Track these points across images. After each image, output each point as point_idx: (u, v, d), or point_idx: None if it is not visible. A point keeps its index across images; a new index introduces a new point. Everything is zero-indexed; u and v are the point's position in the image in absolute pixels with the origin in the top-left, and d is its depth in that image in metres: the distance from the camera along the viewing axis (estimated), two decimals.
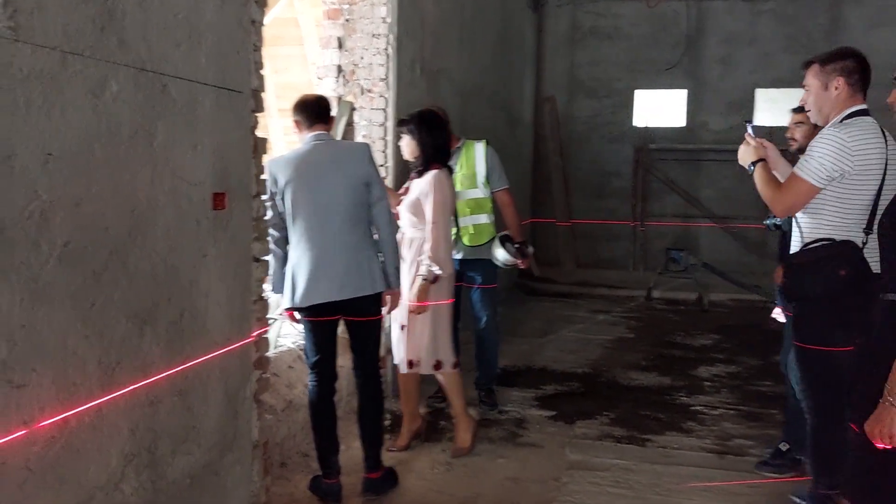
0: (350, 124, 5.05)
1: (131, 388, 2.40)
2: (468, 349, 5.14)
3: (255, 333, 3.21)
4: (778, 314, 4.05)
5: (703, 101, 10.86)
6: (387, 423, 4.44)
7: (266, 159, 3.32)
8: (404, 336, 4.16)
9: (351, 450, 4.02)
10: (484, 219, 4.83)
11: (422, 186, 4.08)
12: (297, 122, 3.67)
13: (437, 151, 4.17)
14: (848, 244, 2.97)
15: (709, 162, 10.72)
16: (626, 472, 4.03)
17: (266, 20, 3.20)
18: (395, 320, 4.22)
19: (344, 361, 3.94)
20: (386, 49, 4.98)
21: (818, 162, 2.97)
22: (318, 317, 3.59)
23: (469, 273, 4.86)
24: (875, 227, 2.89)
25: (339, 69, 5.08)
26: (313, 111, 3.65)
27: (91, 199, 2.18)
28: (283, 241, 3.59)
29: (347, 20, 5.02)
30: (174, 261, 2.60)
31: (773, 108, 10.43)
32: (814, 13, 10.32)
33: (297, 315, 3.69)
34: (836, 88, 3.11)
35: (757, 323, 7.46)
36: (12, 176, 1.90)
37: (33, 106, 1.95)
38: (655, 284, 9.37)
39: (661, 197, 11.07)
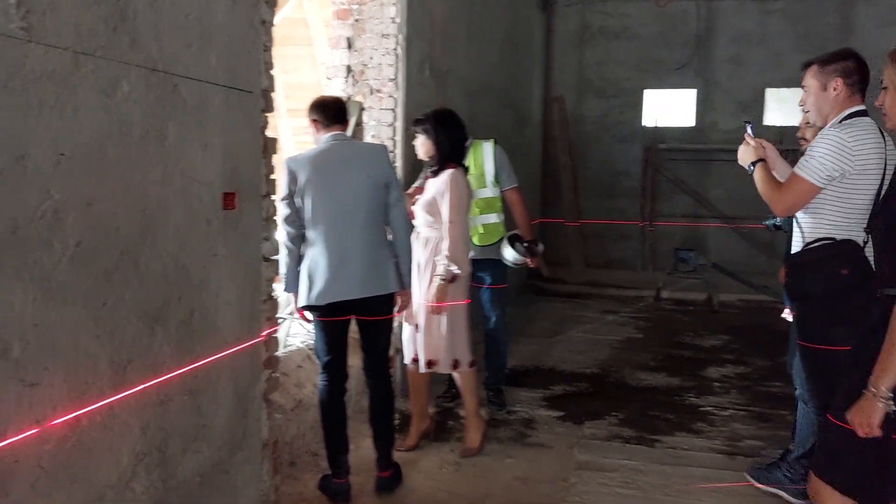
0: (359, 124, 5.05)
1: (142, 387, 2.41)
2: (477, 349, 5.13)
3: (264, 333, 3.22)
4: (787, 315, 4.04)
5: (712, 100, 10.83)
6: (395, 422, 4.44)
7: (281, 159, 3.33)
8: (420, 336, 4.16)
9: (360, 449, 4.03)
10: (493, 218, 4.82)
11: (438, 186, 4.07)
12: (314, 122, 3.69)
13: (453, 150, 4.17)
14: (849, 243, 2.98)
15: (718, 162, 10.68)
16: (635, 472, 4.03)
17: (275, 20, 3.21)
18: (408, 320, 4.23)
19: (352, 361, 3.94)
20: (395, 49, 4.99)
21: (819, 162, 2.98)
22: (331, 316, 3.60)
23: (479, 273, 4.85)
24: None
25: (349, 69, 5.08)
26: (332, 112, 3.68)
27: (103, 198, 2.19)
28: (300, 240, 3.59)
29: (357, 20, 5.03)
30: (185, 260, 2.61)
31: (783, 107, 10.40)
32: (824, 12, 10.27)
33: (309, 314, 3.69)
34: (835, 89, 3.13)
35: (767, 324, 7.44)
36: (25, 176, 1.91)
37: (46, 106, 1.96)
38: (664, 285, 9.35)
39: (671, 197, 11.04)
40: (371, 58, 5.04)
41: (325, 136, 3.65)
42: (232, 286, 2.93)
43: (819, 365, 3.11)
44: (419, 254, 4.15)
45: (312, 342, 4.41)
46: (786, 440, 4.17)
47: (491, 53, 7.66)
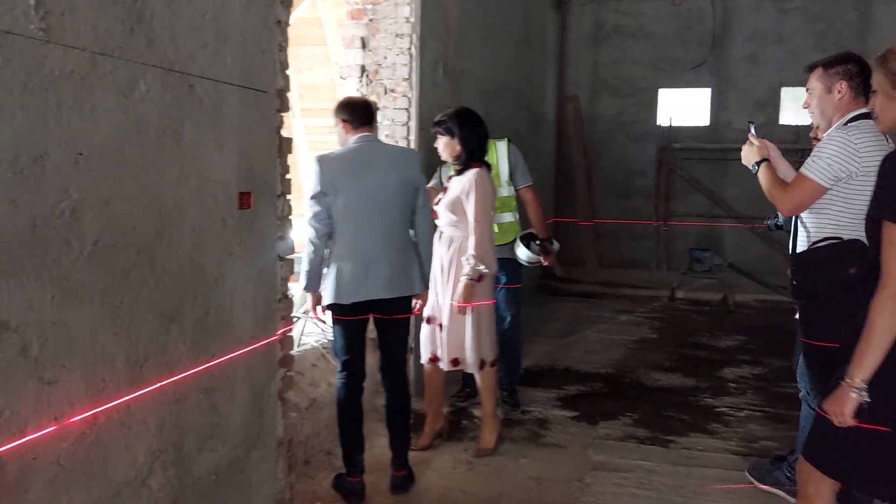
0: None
1: (158, 385, 2.43)
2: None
3: (279, 331, 3.23)
4: None
5: (727, 99, 10.77)
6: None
7: (295, 158, 3.34)
8: (444, 335, 4.17)
9: (374, 448, 4.04)
10: (508, 217, 4.82)
11: (462, 185, 4.06)
12: (344, 122, 3.71)
13: (478, 149, 4.17)
14: (856, 242, 3.00)
15: (734, 161, 10.47)
16: (650, 473, 4.02)
17: (290, 20, 3.22)
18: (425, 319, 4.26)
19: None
20: (409, 49, 4.99)
21: (826, 162, 3.01)
22: (353, 315, 3.63)
23: None
24: None
25: (363, 69, 5.10)
26: (362, 113, 3.72)
27: (120, 198, 2.21)
28: (327, 238, 3.60)
29: (371, 20, 5.04)
30: (200, 259, 2.63)
31: (799, 107, 10.26)
32: (842, 10, 10.19)
33: (324, 314, 3.70)
34: (840, 92, 3.16)
35: (783, 324, 7.39)
36: (44, 175, 1.93)
37: (64, 106, 1.98)
38: (679, 285, 9.31)
39: (685, 196, 10.99)
40: (385, 57, 5.04)
41: (355, 137, 3.68)
42: (247, 285, 2.94)
43: (822, 362, 3.11)
44: (442, 254, 4.15)
45: (327, 341, 4.44)
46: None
47: (505, 53, 7.65)
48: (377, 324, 3.76)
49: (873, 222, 2.34)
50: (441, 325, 4.16)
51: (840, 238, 3.04)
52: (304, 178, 8.09)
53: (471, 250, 3.98)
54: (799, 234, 3.30)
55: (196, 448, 2.66)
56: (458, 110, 4.23)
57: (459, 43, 5.93)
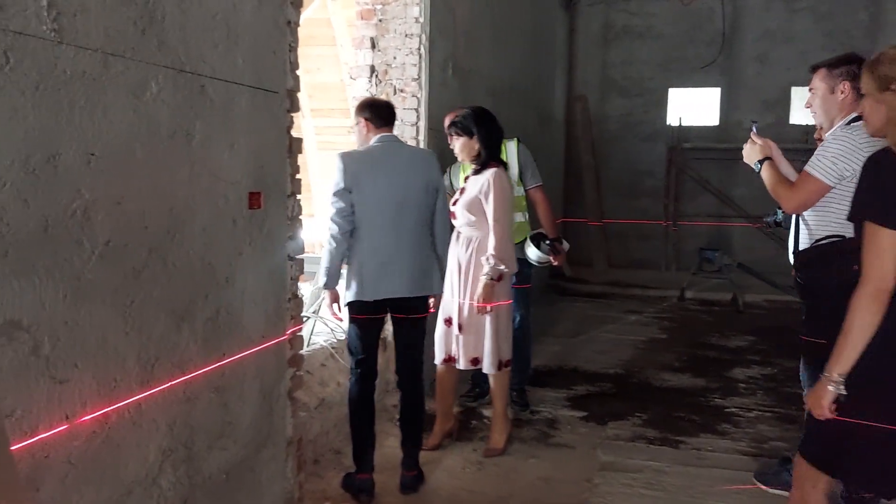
0: None
1: (169, 384, 2.44)
2: None
3: (289, 331, 3.23)
4: None
5: (737, 99, 10.74)
6: None
7: (305, 158, 3.35)
8: (462, 335, 4.17)
9: (384, 448, 4.05)
10: (518, 217, 4.81)
11: (481, 185, 4.06)
12: (367, 121, 3.74)
13: (495, 148, 4.17)
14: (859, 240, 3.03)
15: (743, 161, 10.57)
16: (659, 473, 4.01)
17: (299, 21, 3.23)
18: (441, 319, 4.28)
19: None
20: (419, 49, 5.00)
21: (831, 161, 3.06)
22: (373, 313, 3.66)
23: None
24: None
25: (372, 69, 5.10)
26: (384, 113, 3.76)
27: (131, 197, 2.22)
28: (349, 235, 3.61)
29: (380, 20, 5.04)
30: (211, 259, 2.64)
31: None
32: (852, 10, 10.15)
33: (342, 312, 3.71)
34: (843, 92, 3.23)
35: (793, 324, 7.35)
36: (56, 175, 1.94)
37: (76, 107, 1.99)
38: (689, 285, 9.29)
39: (695, 196, 10.97)
40: (394, 57, 5.05)
41: (376, 137, 3.71)
42: (257, 285, 2.95)
43: (823, 360, 3.12)
44: (461, 254, 4.16)
45: (336, 341, 4.45)
46: None
47: (514, 53, 7.65)
48: (395, 323, 3.79)
49: (855, 222, 2.37)
50: (461, 326, 4.17)
51: (843, 236, 3.08)
52: (313, 178, 8.11)
53: (491, 250, 3.98)
54: (801, 231, 3.35)
55: (206, 447, 2.67)
56: (475, 110, 4.22)
57: (468, 43, 5.93)
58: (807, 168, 3.17)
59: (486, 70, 6.52)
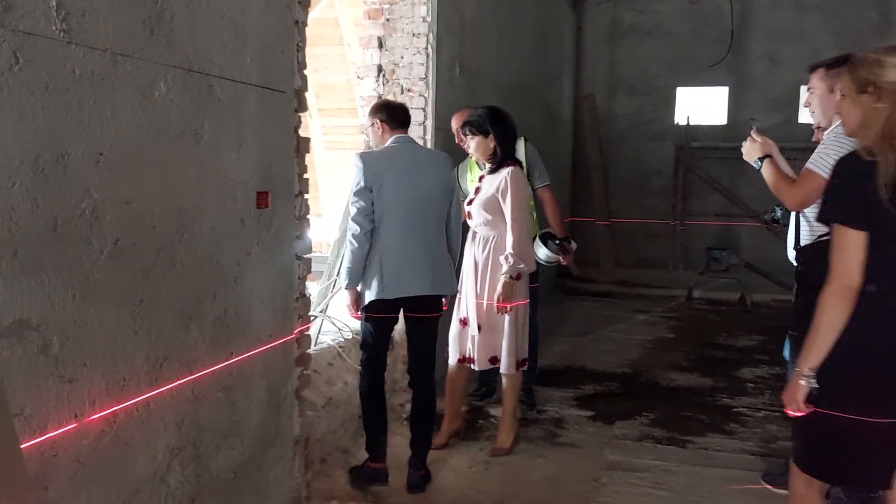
0: None
1: (177, 383, 2.45)
2: None
3: (297, 330, 3.24)
4: None
5: (745, 98, 10.69)
6: None
7: (313, 158, 3.35)
8: (479, 335, 4.17)
9: (390, 447, 4.03)
10: None
11: (497, 184, 4.06)
12: (382, 122, 3.78)
13: (510, 147, 4.18)
14: None
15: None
16: (667, 473, 4.00)
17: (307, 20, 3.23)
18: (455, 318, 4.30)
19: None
20: (426, 48, 5.00)
21: (833, 158, 3.08)
22: (389, 312, 3.71)
23: None
24: None
25: (380, 69, 5.11)
26: (399, 114, 3.81)
27: (140, 197, 2.23)
28: (371, 235, 3.63)
29: (388, 20, 5.05)
30: (219, 258, 2.64)
31: None
32: (862, 8, 10.09)
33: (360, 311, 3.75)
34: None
35: None
36: (65, 175, 1.95)
37: (85, 107, 2.00)
38: (696, 284, 9.27)
39: (703, 195, 10.92)
40: (402, 57, 5.05)
41: (392, 138, 3.75)
42: (265, 284, 2.96)
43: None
44: (477, 254, 4.17)
45: (343, 339, 4.45)
46: None
47: (521, 52, 7.64)
48: (409, 322, 3.82)
49: (824, 224, 2.44)
50: (479, 326, 4.17)
51: None
52: (321, 177, 8.13)
53: (510, 248, 3.99)
54: (802, 228, 3.40)
55: (214, 446, 2.68)
56: (490, 109, 4.22)
57: (475, 42, 5.93)
58: (808, 165, 3.20)
59: (494, 69, 6.51)
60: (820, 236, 3.21)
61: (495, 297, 4.04)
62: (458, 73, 5.54)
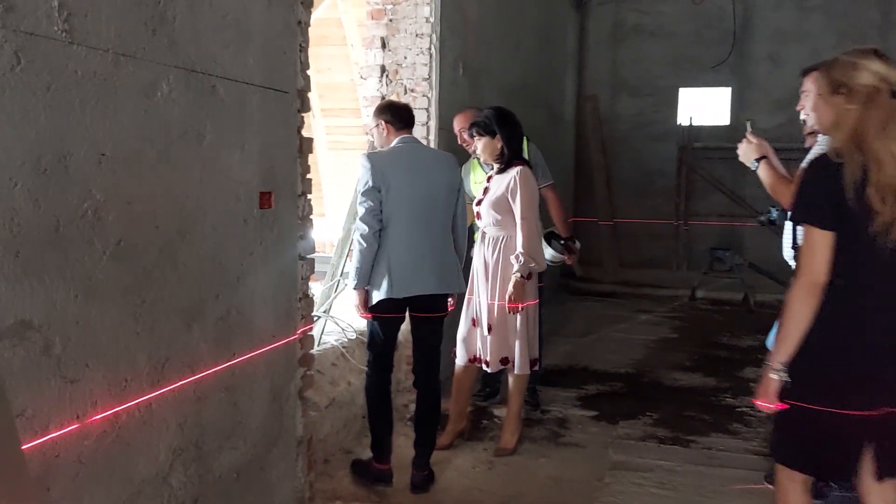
0: None
1: (180, 383, 2.44)
2: None
3: (300, 330, 3.24)
4: None
5: (748, 99, 10.66)
6: None
7: (316, 158, 3.35)
8: (490, 336, 4.17)
9: (394, 447, 4.04)
10: None
11: (507, 183, 4.07)
12: (387, 123, 3.79)
13: (518, 147, 4.18)
14: None
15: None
16: (670, 473, 4.00)
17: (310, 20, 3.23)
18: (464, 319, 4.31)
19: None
20: (429, 48, 4.99)
21: None
22: (397, 312, 3.72)
23: None
24: None
25: (383, 69, 5.10)
26: (405, 115, 3.83)
27: (142, 198, 2.23)
28: (379, 235, 3.64)
29: (391, 20, 5.04)
30: (222, 258, 2.64)
31: None
32: (864, 8, 10.07)
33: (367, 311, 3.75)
34: None
35: None
36: (67, 175, 1.95)
37: (87, 107, 2.00)
38: (700, 284, 9.26)
39: (706, 196, 10.90)
40: (405, 57, 5.05)
41: (397, 138, 3.76)
42: (268, 284, 2.95)
43: None
44: (487, 255, 4.17)
45: (347, 340, 4.45)
46: None
47: (524, 52, 7.64)
48: (415, 322, 3.83)
49: (794, 223, 2.50)
50: (490, 327, 4.17)
51: None
52: (324, 177, 8.13)
53: (520, 247, 4.00)
54: (798, 228, 3.38)
55: (217, 446, 2.67)
56: (497, 110, 4.22)
57: (479, 42, 5.92)
58: (804, 166, 3.20)
59: (497, 69, 6.51)
60: None
61: (506, 297, 4.04)
62: (461, 73, 5.54)
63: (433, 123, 5.04)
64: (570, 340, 6.98)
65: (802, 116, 3.51)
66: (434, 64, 5.03)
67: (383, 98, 5.03)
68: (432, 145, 5.05)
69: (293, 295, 3.17)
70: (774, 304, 8.68)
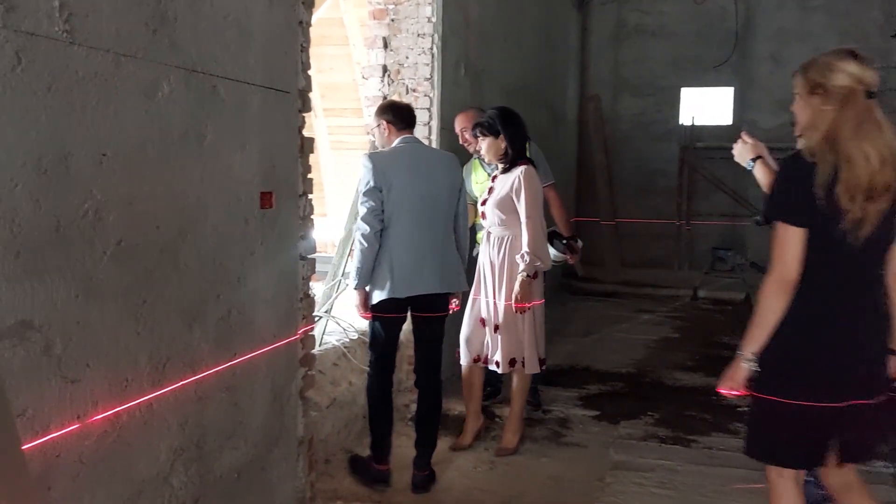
0: None
1: (181, 383, 2.44)
2: None
3: (301, 330, 3.24)
4: None
5: (750, 99, 10.66)
6: None
7: (317, 158, 3.35)
8: (498, 336, 4.17)
9: (395, 447, 4.04)
10: None
11: (511, 183, 4.08)
12: (388, 123, 3.80)
13: (522, 147, 4.19)
14: None
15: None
16: (671, 472, 3.99)
17: (311, 20, 3.23)
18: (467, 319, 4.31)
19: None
20: (431, 48, 4.99)
21: None
22: (399, 312, 3.72)
23: None
24: None
25: (385, 69, 5.10)
26: (406, 115, 3.84)
27: (143, 198, 2.23)
28: (380, 234, 3.65)
29: (393, 20, 5.04)
30: (222, 259, 2.64)
31: None
32: (867, 8, 10.05)
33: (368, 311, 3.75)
34: None
35: None
36: (68, 176, 1.95)
37: (88, 107, 2.00)
38: (701, 284, 9.25)
39: (708, 195, 10.90)
40: (407, 57, 5.05)
41: (398, 138, 3.77)
42: (269, 284, 2.95)
43: None
44: (493, 255, 4.18)
45: (348, 340, 4.46)
46: None
47: (526, 52, 7.63)
48: (417, 321, 3.84)
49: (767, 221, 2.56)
50: (497, 327, 4.17)
51: None
52: (326, 177, 8.12)
53: (525, 247, 4.00)
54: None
55: (217, 446, 2.67)
56: (501, 110, 4.24)
57: (481, 42, 5.92)
58: None
59: (499, 69, 6.51)
60: None
61: (513, 297, 4.04)
62: (463, 73, 5.53)
63: (435, 123, 5.04)
64: (571, 340, 6.97)
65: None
66: (436, 64, 5.02)
67: (385, 98, 5.02)
68: (434, 145, 5.04)
69: (294, 295, 3.17)
70: None
